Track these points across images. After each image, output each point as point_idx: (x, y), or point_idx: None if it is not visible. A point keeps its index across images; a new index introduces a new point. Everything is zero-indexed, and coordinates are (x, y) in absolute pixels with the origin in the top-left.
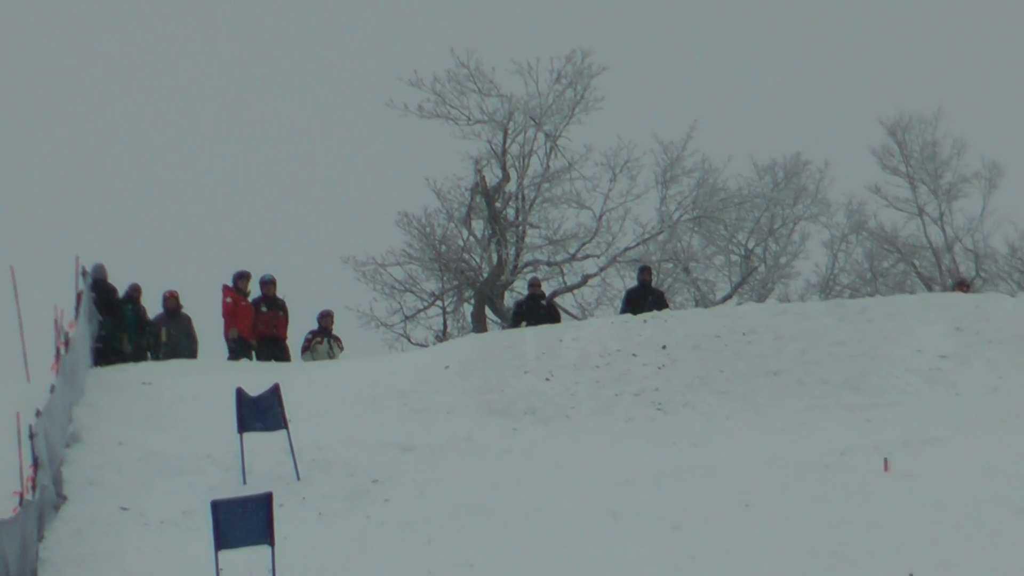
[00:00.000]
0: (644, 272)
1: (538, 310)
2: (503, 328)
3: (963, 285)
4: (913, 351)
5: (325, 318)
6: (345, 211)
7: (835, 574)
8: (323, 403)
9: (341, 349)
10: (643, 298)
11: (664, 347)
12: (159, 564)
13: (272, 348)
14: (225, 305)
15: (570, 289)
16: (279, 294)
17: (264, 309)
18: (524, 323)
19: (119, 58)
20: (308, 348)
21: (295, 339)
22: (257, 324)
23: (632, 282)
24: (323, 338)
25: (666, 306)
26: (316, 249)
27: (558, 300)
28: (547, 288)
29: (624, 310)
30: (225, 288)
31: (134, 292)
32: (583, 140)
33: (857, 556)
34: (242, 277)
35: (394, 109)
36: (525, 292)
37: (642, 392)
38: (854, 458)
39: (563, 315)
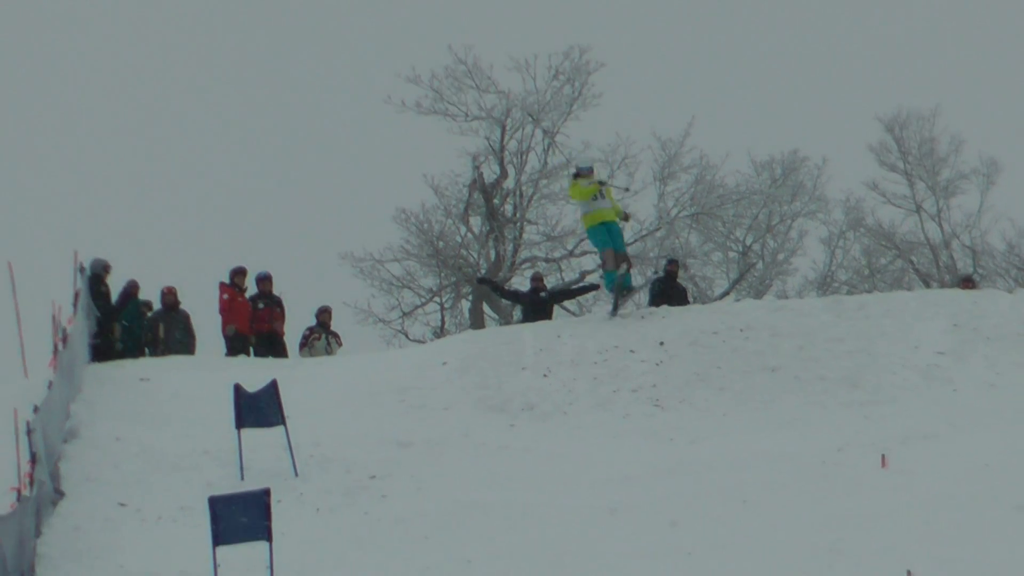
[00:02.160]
0: (672, 264)
1: (537, 304)
2: (501, 324)
3: (968, 282)
4: (911, 347)
5: (323, 314)
6: (343, 207)
7: (832, 570)
8: (321, 399)
9: (339, 345)
10: (667, 290)
11: (662, 343)
12: (156, 560)
13: (269, 344)
14: (222, 302)
15: (568, 285)
16: (275, 290)
17: (261, 305)
18: (521, 311)
19: (118, 54)
20: (306, 344)
21: (292, 335)
22: (255, 320)
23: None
24: (321, 334)
25: (686, 302)
26: (314, 245)
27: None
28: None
29: (652, 301)
30: (222, 285)
31: (132, 288)
32: (581, 136)
33: (854, 553)
34: (239, 273)
35: (392, 105)
36: (526, 287)
37: (640, 388)
38: (852, 454)
39: (561, 311)
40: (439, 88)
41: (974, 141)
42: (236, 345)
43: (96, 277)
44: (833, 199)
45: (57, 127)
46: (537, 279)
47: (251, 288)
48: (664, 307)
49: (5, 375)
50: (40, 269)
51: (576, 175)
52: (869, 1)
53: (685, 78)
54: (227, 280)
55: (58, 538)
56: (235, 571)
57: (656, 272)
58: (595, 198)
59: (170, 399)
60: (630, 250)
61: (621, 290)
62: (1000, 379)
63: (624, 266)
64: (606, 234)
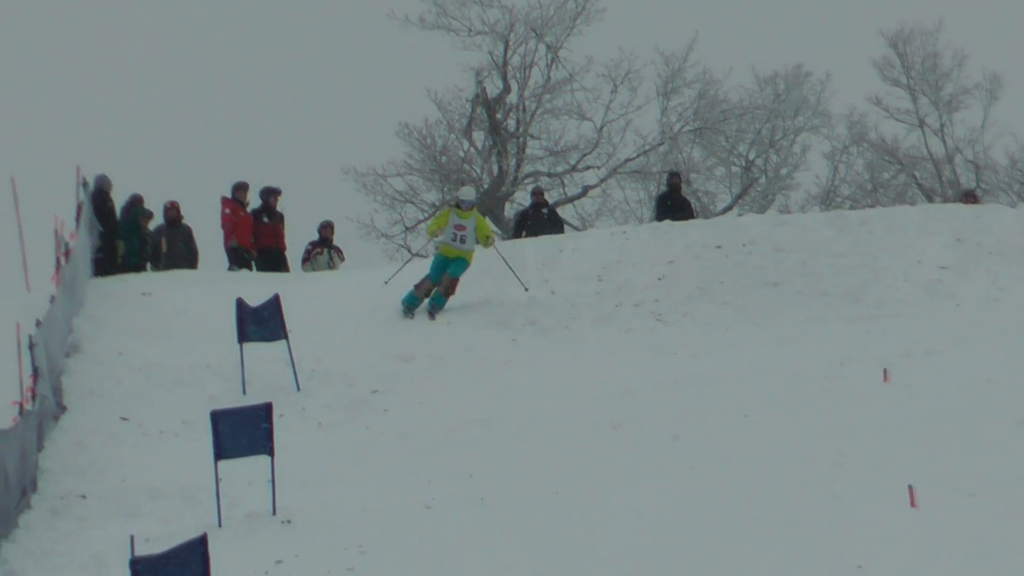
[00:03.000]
0: (673, 176)
1: (541, 219)
2: (504, 239)
3: (970, 196)
4: (913, 262)
5: (326, 228)
6: (346, 122)
7: (834, 485)
8: (323, 314)
9: (342, 260)
10: (670, 203)
11: (671, 262)
12: (159, 474)
13: (271, 259)
14: (224, 216)
15: (571, 200)
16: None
17: (266, 220)
18: (525, 233)
19: None
20: (308, 259)
21: (294, 250)
22: (259, 235)
23: (633, 192)
24: (323, 249)
25: (691, 215)
26: (317, 160)
27: (559, 211)
28: (549, 199)
29: (658, 215)
30: (224, 199)
31: (136, 201)
32: (584, 52)
33: (856, 467)
34: (241, 188)
35: (395, 20)
36: (527, 202)
37: (642, 303)
38: (854, 369)
39: (565, 227)
40: (442, 2)
41: (977, 56)
42: (238, 260)
43: (101, 193)
44: (836, 114)
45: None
46: (538, 193)
47: (254, 202)
48: (667, 222)
49: (7, 289)
50: (43, 183)
51: (456, 205)
52: None
53: None
54: (229, 195)
55: (60, 452)
56: (237, 485)
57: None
58: (454, 239)
59: (172, 314)
60: (633, 164)
61: (430, 309)
62: (1002, 294)
63: (438, 291)
64: (444, 266)
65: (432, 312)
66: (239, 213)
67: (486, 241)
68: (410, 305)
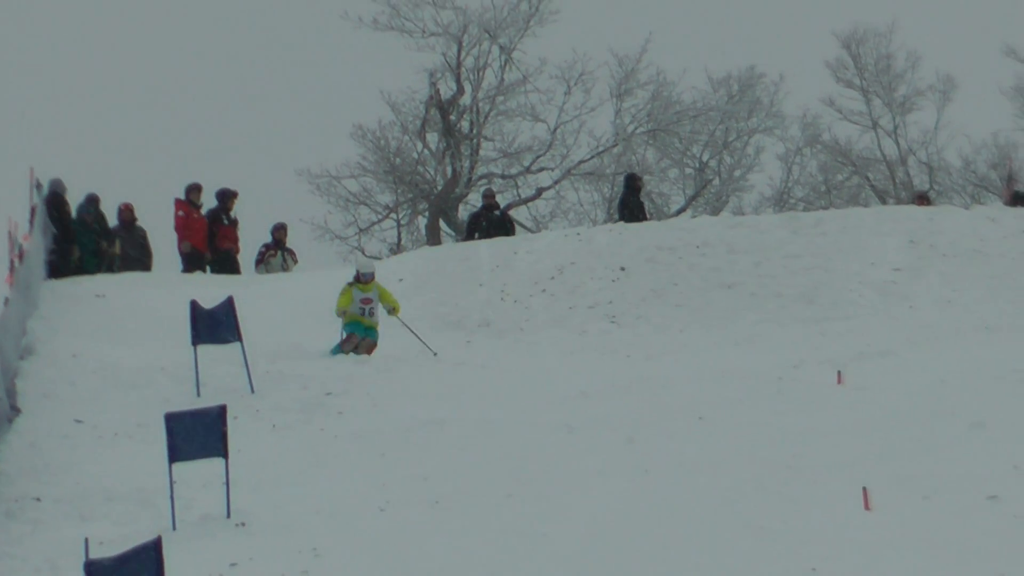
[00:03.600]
0: (634, 179)
1: (493, 222)
2: (457, 241)
3: (923, 198)
4: (867, 264)
5: (279, 231)
6: (299, 124)
7: (788, 487)
8: (277, 316)
9: (295, 262)
10: (628, 203)
11: (623, 268)
12: (113, 476)
13: (225, 262)
14: (177, 219)
15: (524, 202)
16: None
17: (226, 222)
18: (478, 235)
19: None
20: (262, 261)
21: (248, 253)
22: (217, 237)
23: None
24: (277, 251)
25: (645, 217)
26: (270, 162)
27: (512, 213)
28: (501, 201)
29: (621, 216)
30: (177, 201)
31: (93, 201)
32: (538, 53)
33: (810, 468)
34: (194, 190)
35: (348, 21)
36: (480, 204)
37: (596, 305)
38: (808, 371)
39: (517, 228)
40: (396, 4)
41: (930, 57)
42: (192, 262)
43: (56, 197)
44: (790, 115)
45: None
46: (489, 196)
47: (208, 203)
48: (620, 224)
49: None
50: None
51: (355, 280)
52: None
53: None
54: (183, 196)
55: (15, 455)
56: (191, 488)
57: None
58: (363, 313)
59: (127, 316)
60: (586, 167)
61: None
62: (956, 295)
63: (357, 349)
64: (360, 331)
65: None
66: (192, 215)
67: (391, 311)
68: (337, 354)
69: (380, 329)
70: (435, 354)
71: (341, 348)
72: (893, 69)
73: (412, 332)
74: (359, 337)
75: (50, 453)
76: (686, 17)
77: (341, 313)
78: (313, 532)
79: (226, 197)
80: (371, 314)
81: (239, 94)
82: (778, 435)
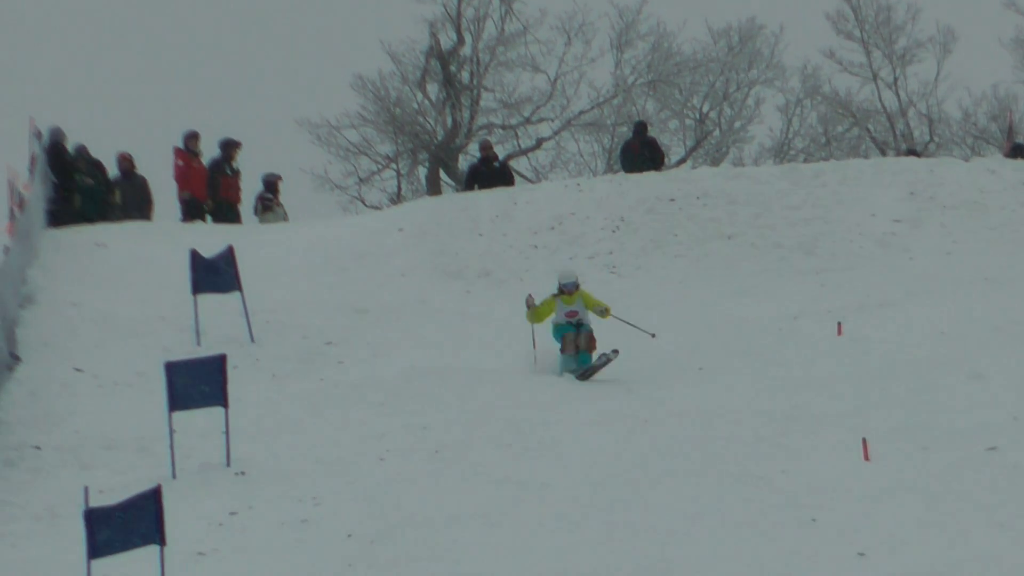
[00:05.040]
0: (639, 126)
1: (492, 172)
2: (457, 191)
3: (913, 154)
4: (867, 215)
5: (276, 180)
6: (300, 74)
7: (788, 437)
8: (277, 265)
9: (286, 219)
10: (637, 150)
11: (623, 219)
12: (113, 425)
13: (226, 211)
14: (176, 168)
15: (524, 152)
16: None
17: (228, 173)
18: (477, 187)
19: None
20: (268, 208)
21: (248, 203)
22: (220, 187)
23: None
24: (278, 199)
25: (661, 154)
26: (270, 111)
27: (512, 163)
28: (501, 151)
29: (623, 164)
30: (176, 151)
31: (81, 151)
32: (538, 3)
33: (810, 419)
34: (192, 137)
35: None
36: (478, 156)
37: (596, 255)
38: (807, 322)
39: (517, 179)
40: None
41: (930, 9)
42: (192, 210)
43: (56, 146)
44: (790, 67)
45: None
46: (486, 147)
47: (211, 151)
48: (620, 174)
49: None
50: None
51: (559, 292)
52: None
53: None
54: (181, 145)
55: (14, 403)
56: (190, 437)
57: (611, 353)
58: (570, 326)
59: (127, 265)
60: (586, 117)
61: (582, 371)
62: (956, 247)
63: (582, 349)
64: (575, 329)
65: (585, 375)
66: (191, 164)
67: (603, 313)
68: (569, 371)
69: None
70: (653, 336)
71: (566, 354)
72: (893, 21)
73: (629, 324)
74: (573, 334)
75: (50, 402)
76: None
77: (533, 321)
78: (312, 481)
79: (229, 147)
80: (579, 325)
81: (239, 43)
82: (777, 386)
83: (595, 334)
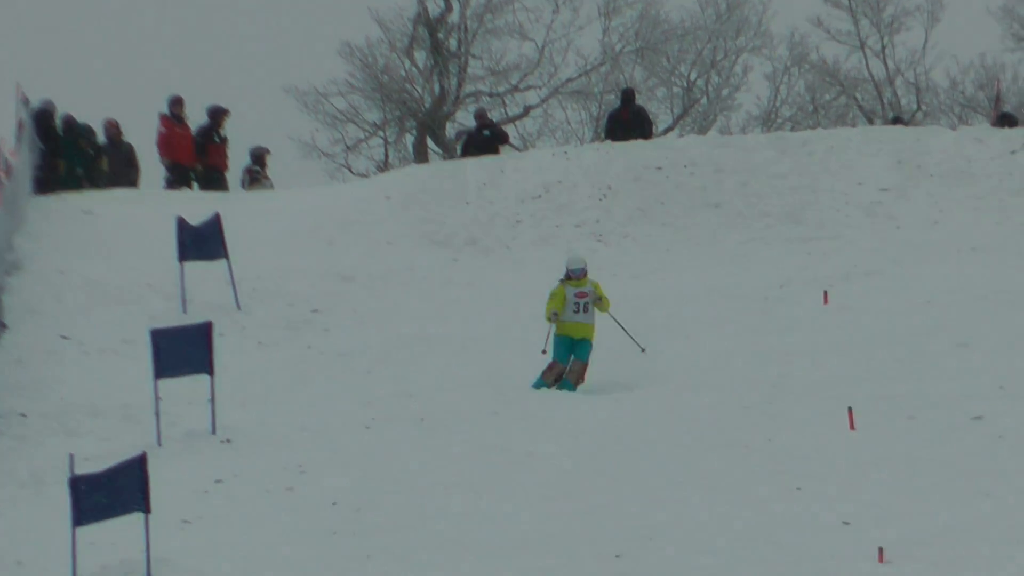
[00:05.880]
0: (627, 94)
1: (484, 141)
2: (444, 159)
3: (900, 123)
4: (854, 184)
5: (264, 154)
6: (287, 41)
7: (773, 405)
8: (264, 233)
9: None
10: (625, 118)
11: (610, 187)
12: (99, 392)
13: (213, 179)
14: (159, 135)
15: (512, 120)
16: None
17: (216, 140)
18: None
19: None
20: (256, 181)
21: (236, 170)
22: (208, 154)
23: (575, 112)
24: (264, 172)
25: (649, 122)
26: (258, 78)
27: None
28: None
29: (608, 132)
30: (161, 116)
31: (69, 121)
32: None
33: (795, 388)
34: (176, 103)
35: None
36: (468, 123)
37: (583, 223)
38: (793, 290)
39: (505, 148)
40: None
41: None
42: (177, 176)
43: (45, 114)
44: (777, 35)
45: None
46: (481, 116)
47: (199, 118)
48: (607, 142)
49: None
50: None
51: (567, 278)
52: None
53: None
54: (166, 110)
55: (1, 370)
56: (176, 404)
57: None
58: (577, 310)
59: (114, 232)
60: (573, 85)
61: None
62: (942, 216)
63: (568, 379)
64: (567, 349)
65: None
66: (175, 129)
67: (606, 301)
68: (539, 388)
69: (593, 325)
70: (643, 350)
71: (543, 380)
72: None
73: (622, 328)
74: (563, 365)
75: (36, 369)
76: None
77: (552, 316)
78: (298, 449)
79: (217, 114)
80: (586, 309)
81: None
82: (763, 354)
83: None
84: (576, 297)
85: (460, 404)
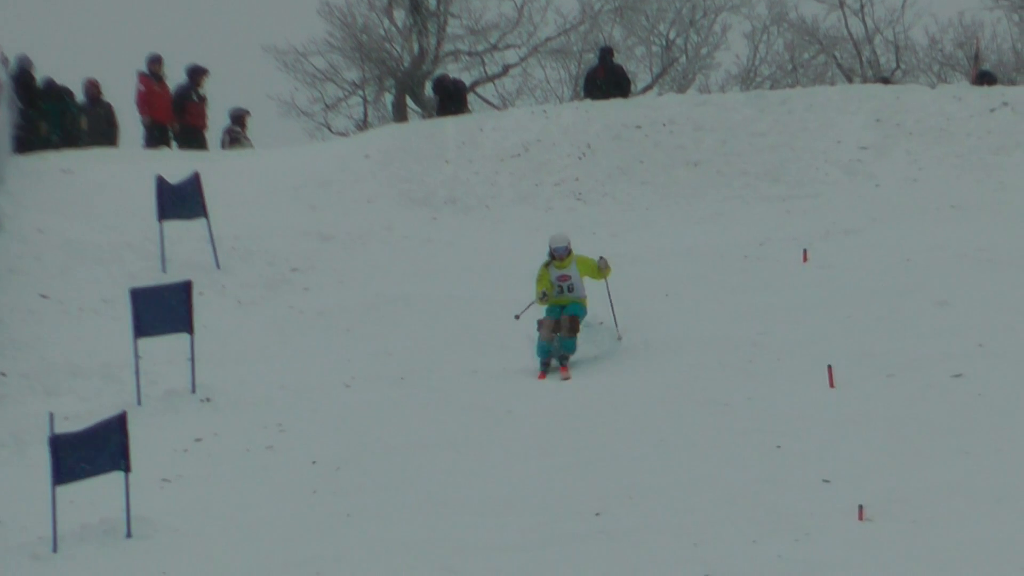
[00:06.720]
0: (605, 52)
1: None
2: (424, 117)
3: (882, 81)
4: (833, 142)
5: (245, 116)
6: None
7: (753, 364)
8: (243, 192)
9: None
10: (603, 76)
11: (589, 146)
12: (78, 351)
13: (192, 138)
14: (139, 92)
15: (491, 79)
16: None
17: (195, 99)
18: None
19: None
20: (236, 141)
21: (215, 129)
22: (186, 113)
23: (554, 72)
24: (244, 133)
25: (627, 80)
26: (237, 37)
27: (479, 90)
28: (468, 78)
29: (586, 91)
30: (140, 75)
31: (51, 83)
32: None
33: (776, 346)
34: (155, 61)
35: None
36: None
37: (562, 182)
38: (773, 248)
39: (484, 105)
40: None
41: None
42: (155, 135)
43: (24, 73)
44: None
45: None
46: (439, 85)
47: (178, 77)
48: (587, 101)
49: None
50: None
51: (550, 259)
52: None
53: None
54: (145, 69)
55: None
56: (156, 363)
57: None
58: (560, 292)
59: (93, 191)
60: (553, 44)
61: (560, 356)
62: (922, 174)
63: (562, 334)
64: (559, 311)
65: (563, 360)
66: (153, 88)
67: (599, 272)
68: (545, 356)
69: (583, 298)
70: (619, 339)
71: (542, 339)
72: None
73: (611, 308)
74: (553, 319)
75: (15, 328)
76: None
77: (542, 297)
78: (278, 408)
79: (196, 74)
80: (571, 290)
81: None
82: (743, 313)
83: (584, 304)
84: (558, 280)
85: (440, 363)
